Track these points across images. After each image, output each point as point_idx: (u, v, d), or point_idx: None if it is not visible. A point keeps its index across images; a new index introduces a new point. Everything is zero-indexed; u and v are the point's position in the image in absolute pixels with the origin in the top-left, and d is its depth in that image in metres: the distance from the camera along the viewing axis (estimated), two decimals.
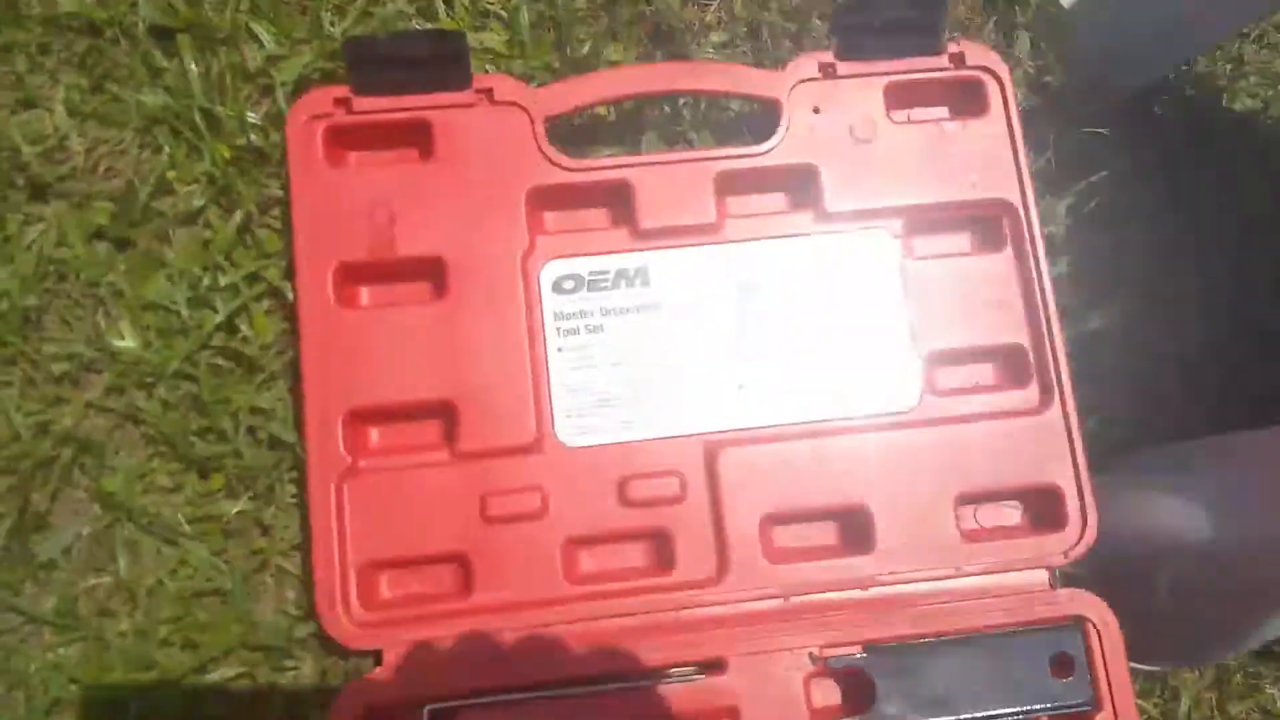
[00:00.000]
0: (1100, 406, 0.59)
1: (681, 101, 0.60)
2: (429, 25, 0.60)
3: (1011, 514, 0.54)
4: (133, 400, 0.55)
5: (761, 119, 0.56)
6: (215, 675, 0.53)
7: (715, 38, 0.63)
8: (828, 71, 0.55)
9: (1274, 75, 0.73)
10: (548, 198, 0.53)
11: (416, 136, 0.53)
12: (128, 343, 0.55)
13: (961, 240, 0.56)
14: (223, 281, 0.56)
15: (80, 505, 0.55)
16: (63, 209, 0.57)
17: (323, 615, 0.48)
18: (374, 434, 0.52)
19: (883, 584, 0.51)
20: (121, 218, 0.56)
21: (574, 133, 0.60)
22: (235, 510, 0.54)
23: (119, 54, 0.58)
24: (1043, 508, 0.53)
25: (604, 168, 0.53)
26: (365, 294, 0.53)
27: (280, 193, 0.57)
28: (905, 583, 0.51)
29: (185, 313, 0.55)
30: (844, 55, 0.54)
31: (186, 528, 0.54)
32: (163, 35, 0.58)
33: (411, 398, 0.51)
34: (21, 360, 0.55)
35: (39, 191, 0.57)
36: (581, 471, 0.51)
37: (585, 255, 0.53)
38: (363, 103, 0.52)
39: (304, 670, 0.54)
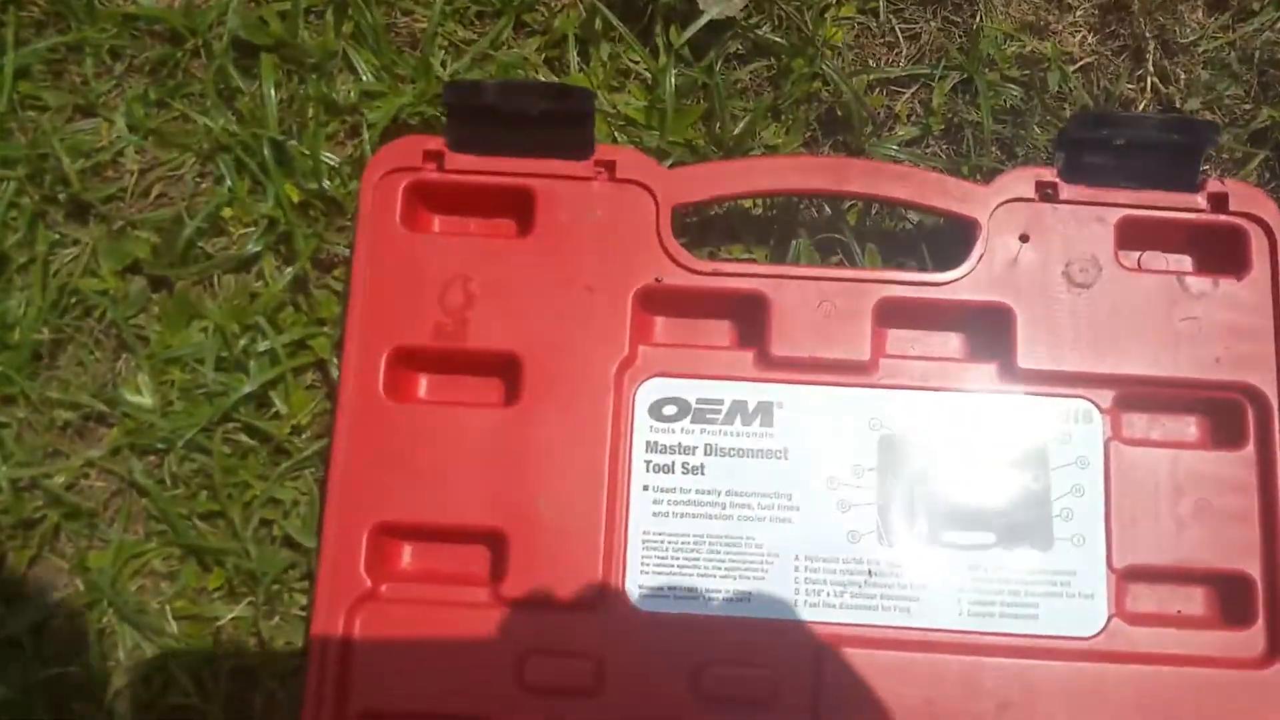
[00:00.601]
0: None
1: (847, 204, 0.51)
2: (555, 78, 0.53)
3: None
4: (137, 467, 0.49)
5: (948, 238, 0.48)
6: None
7: (902, 132, 0.53)
8: (1046, 193, 0.46)
9: None
10: (661, 301, 0.47)
11: (514, 207, 0.47)
12: (143, 399, 0.49)
13: (1188, 427, 0.47)
14: (262, 345, 0.49)
15: (59, 578, 0.49)
16: (100, 234, 0.51)
17: None
18: (405, 554, 0.45)
19: None
20: (163, 253, 0.50)
21: (706, 220, 0.52)
22: (231, 615, 0.48)
23: (196, 68, 0.53)
24: None
25: (735, 274, 0.46)
26: (423, 385, 0.47)
27: (347, 251, 0.51)
28: None
29: (211, 375, 0.49)
30: (1070, 177, 0.46)
31: (173, 626, 0.48)
32: (247, 52, 0.53)
33: (456, 520, 0.44)
34: (22, 402, 0.50)
35: (79, 211, 0.52)
36: (650, 643, 0.43)
37: (696, 378, 0.46)
38: (457, 160, 0.46)
39: None
